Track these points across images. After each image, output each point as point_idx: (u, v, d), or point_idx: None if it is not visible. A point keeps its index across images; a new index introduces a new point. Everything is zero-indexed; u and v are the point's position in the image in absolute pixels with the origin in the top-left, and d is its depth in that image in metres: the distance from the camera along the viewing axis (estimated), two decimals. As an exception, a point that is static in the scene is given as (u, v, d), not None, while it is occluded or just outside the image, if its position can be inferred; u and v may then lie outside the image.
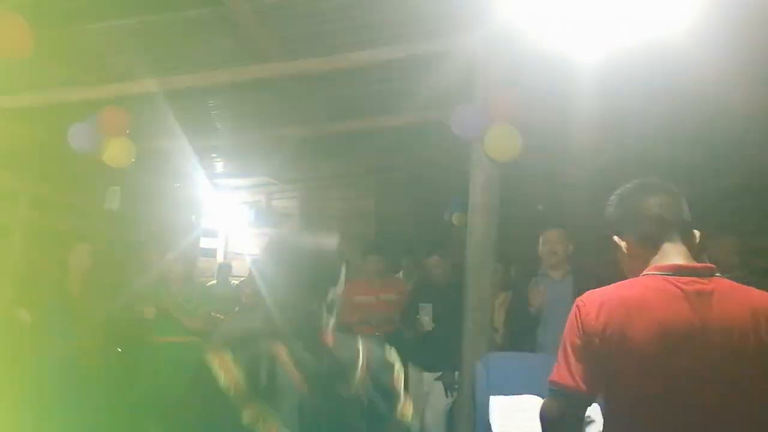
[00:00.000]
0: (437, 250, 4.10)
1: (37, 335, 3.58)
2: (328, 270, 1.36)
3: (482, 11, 3.00)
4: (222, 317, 4.42)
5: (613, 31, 2.78)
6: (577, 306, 1.38)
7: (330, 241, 1.39)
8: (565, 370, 1.35)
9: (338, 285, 1.38)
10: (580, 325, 1.34)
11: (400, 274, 5.69)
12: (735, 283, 1.35)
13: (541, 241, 3.33)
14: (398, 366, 1.40)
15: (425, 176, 7.50)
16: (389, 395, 1.34)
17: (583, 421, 1.39)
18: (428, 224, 7.13)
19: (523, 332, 3.25)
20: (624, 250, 1.46)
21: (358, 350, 1.35)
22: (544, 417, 1.39)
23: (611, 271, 1.57)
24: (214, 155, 6.36)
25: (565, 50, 2.96)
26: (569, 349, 1.36)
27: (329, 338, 1.31)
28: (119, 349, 4.03)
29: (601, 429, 1.43)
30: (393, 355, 1.41)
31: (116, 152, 3.93)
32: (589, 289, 1.41)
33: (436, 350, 3.78)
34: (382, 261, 4.54)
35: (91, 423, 3.53)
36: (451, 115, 3.23)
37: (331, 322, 1.34)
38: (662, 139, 4.38)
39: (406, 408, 1.36)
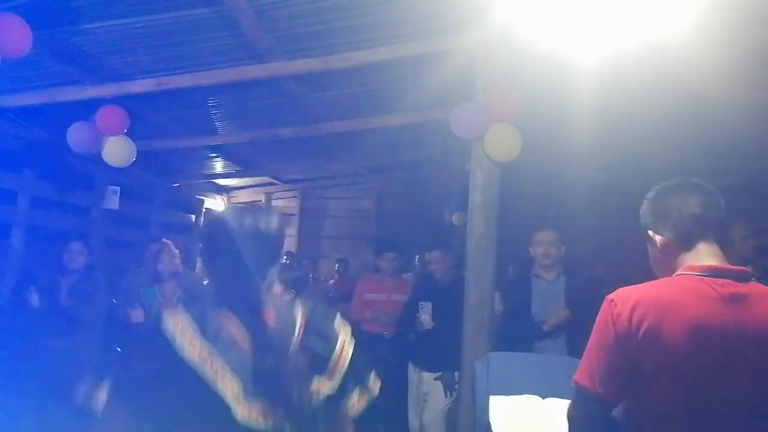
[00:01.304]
0: (439, 246, 4.09)
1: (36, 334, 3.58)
2: (266, 250, 1.39)
3: (482, 11, 3.00)
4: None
5: (612, 31, 2.78)
6: (609, 303, 1.35)
7: (269, 220, 1.43)
8: (588, 371, 1.34)
9: (277, 263, 1.44)
10: (611, 323, 1.32)
11: (410, 274, 5.66)
12: None
13: (534, 241, 3.30)
14: (344, 338, 1.44)
15: (425, 176, 7.50)
16: (327, 338, 1.40)
17: (606, 423, 1.37)
18: (428, 224, 7.13)
19: (521, 335, 3.24)
20: (658, 245, 1.45)
21: (296, 317, 1.40)
22: (568, 417, 1.39)
23: (610, 269, 1.57)
24: (214, 155, 6.36)
25: (565, 50, 2.96)
26: (597, 348, 1.34)
27: (270, 315, 1.35)
28: (118, 349, 4.03)
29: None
30: (341, 327, 1.47)
31: (116, 152, 3.93)
32: (581, 290, 1.40)
33: (436, 350, 3.77)
34: (398, 259, 4.51)
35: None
36: (451, 115, 3.23)
37: (272, 297, 1.40)
38: (662, 139, 4.38)
39: (343, 349, 1.40)
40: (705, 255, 1.37)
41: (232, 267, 1.36)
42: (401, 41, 3.36)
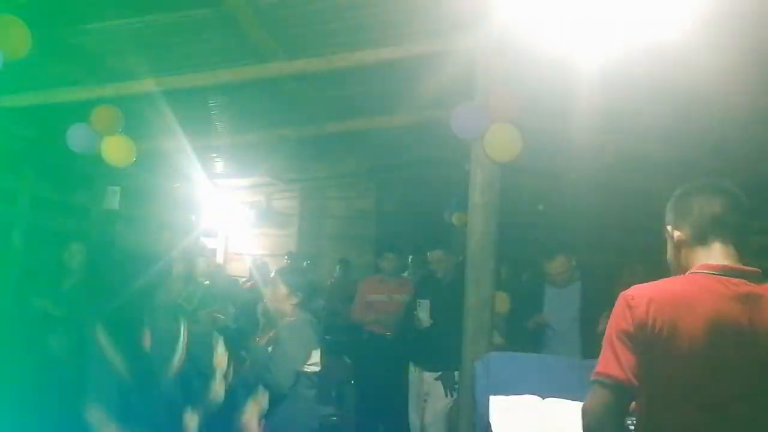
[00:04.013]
0: (441, 245, 4.09)
1: (36, 334, 3.58)
2: (148, 276, 1.37)
3: (482, 11, 3.00)
4: (222, 317, 4.42)
5: (612, 31, 2.78)
6: (625, 298, 1.37)
7: (153, 243, 1.42)
8: (614, 361, 1.34)
9: (168, 284, 1.41)
10: (629, 317, 1.34)
11: (406, 273, 5.67)
12: None
13: (546, 265, 3.40)
14: (221, 350, 1.45)
15: (425, 176, 7.50)
16: (204, 373, 1.39)
17: (626, 416, 1.38)
18: (428, 224, 7.14)
19: (529, 336, 3.32)
20: (674, 240, 1.48)
21: (180, 334, 1.38)
22: (589, 411, 1.36)
23: (610, 270, 1.58)
24: (214, 155, 6.36)
25: (565, 50, 2.96)
26: (617, 340, 1.35)
27: (147, 340, 1.32)
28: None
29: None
30: (218, 341, 1.47)
31: (116, 151, 3.93)
32: (595, 291, 1.41)
33: (436, 349, 3.77)
34: (398, 260, 4.54)
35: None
36: (451, 115, 3.23)
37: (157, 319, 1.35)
38: (662, 139, 4.38)
39: (218, 387, 1.41)
40: (719, 254, 1.40)
41: (111, 283, 1.34)
42: (401, 41, 3.36)
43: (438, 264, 3.98)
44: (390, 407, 4.40)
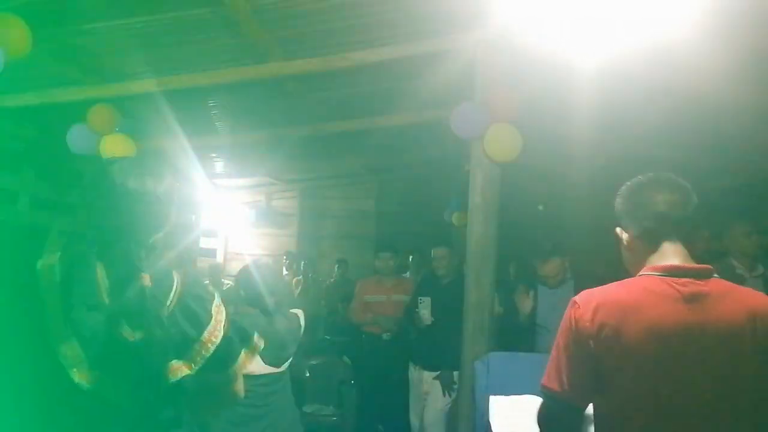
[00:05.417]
0: (446, 243, 4.08)
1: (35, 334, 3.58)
2: (148, 213, 1.36)
3: (482, 11, 3.00)
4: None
5: (612, 31, 2.78)
6: (572, 305, 1.36)
7: (157, 184, 1.40)
8: (555, 374, 1.35)
9: (165, 229, 1.40)
10: (574, 327, 1.33)
11: (408, 273, 5.66)
12: (733, 285, 1.33)
13: (539, 267, 3.40)
14: (218, 298, 1.41)
15: (425, 176, 7.50)
16: (198, 320, 1.35)
17: (577, 425, 1.38)
18: (428, 224, 7.15)
19: (516, 335, 3.32)
20: (624, 242, 1.45)
21: (173, 281, 1.35)
22: (538, 420, 1.40)
23: (610, 270, 1.57)
24: (214, 155, 6.36)
25: (565, 50, 2.96)
26: (562, 351, 1.35)
27: (146, 279, 1.30)
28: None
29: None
30: (210, 289, 1.44)
31: (116, 151, 3.93)
32: (588, 289, 1.40)
33: (436, 348, 3.77)
34: (394, 259, 4.51)
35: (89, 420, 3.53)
36: (451, 115, 3.23)
37: (152, 263, 1.33)
38: (662, 139, 4.38)
39: (213, 334, 1.36)
40: (669, 254, 1.36)
41: (112, 221, 1.31)
42: (401, 41, 3.36)
43: (441, 261, 3.97)
44: (390, 407, 4.40)
